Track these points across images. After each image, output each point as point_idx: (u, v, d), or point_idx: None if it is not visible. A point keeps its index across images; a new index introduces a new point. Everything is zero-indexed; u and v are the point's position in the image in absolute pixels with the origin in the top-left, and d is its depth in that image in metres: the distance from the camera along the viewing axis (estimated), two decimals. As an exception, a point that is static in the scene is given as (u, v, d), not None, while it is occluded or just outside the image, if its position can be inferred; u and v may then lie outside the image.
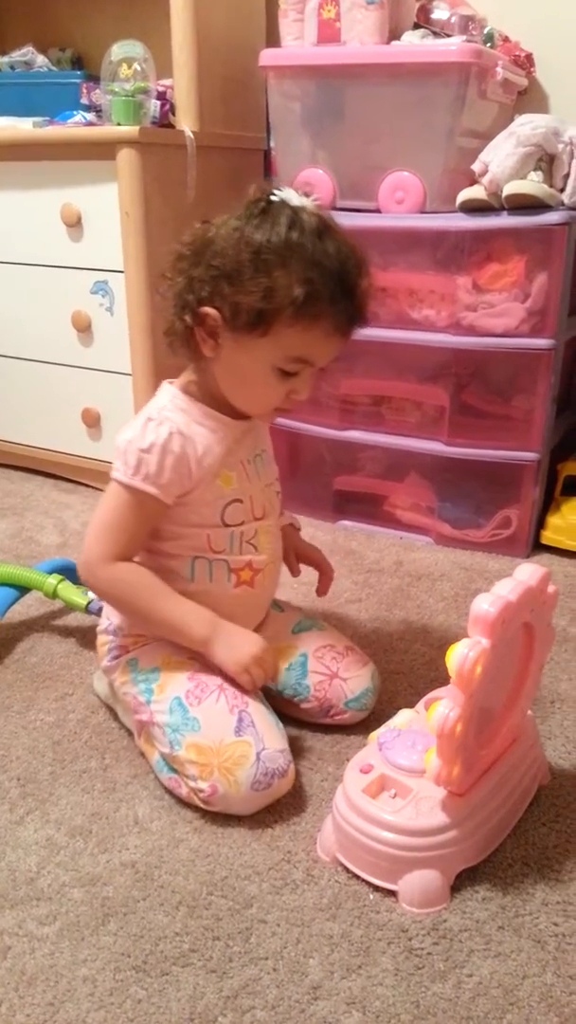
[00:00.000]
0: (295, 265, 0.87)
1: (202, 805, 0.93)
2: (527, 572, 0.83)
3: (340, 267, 0.89)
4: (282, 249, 0.87)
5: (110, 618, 1.06)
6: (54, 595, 1.26)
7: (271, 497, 1.05)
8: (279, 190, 0.91)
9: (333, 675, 1.05)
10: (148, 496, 0.94)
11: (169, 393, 1.00)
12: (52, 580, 1.26)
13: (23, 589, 1.31)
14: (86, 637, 1.29)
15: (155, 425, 0.95)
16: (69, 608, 1.31)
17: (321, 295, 0.88)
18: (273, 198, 0.90)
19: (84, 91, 1.86)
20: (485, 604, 0.77)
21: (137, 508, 0.95)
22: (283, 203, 0.90)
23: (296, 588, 1.27)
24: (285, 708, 1.07)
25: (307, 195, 0.92)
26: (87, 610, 1.22)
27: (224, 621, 0.98)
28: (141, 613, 0.99)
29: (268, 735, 0.93)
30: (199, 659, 0.99)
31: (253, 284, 0.87)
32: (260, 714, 0.95)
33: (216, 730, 0.93)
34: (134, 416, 0.99)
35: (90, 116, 1.78)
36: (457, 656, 0.77)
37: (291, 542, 1.17)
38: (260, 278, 0.87)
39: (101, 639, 1.07)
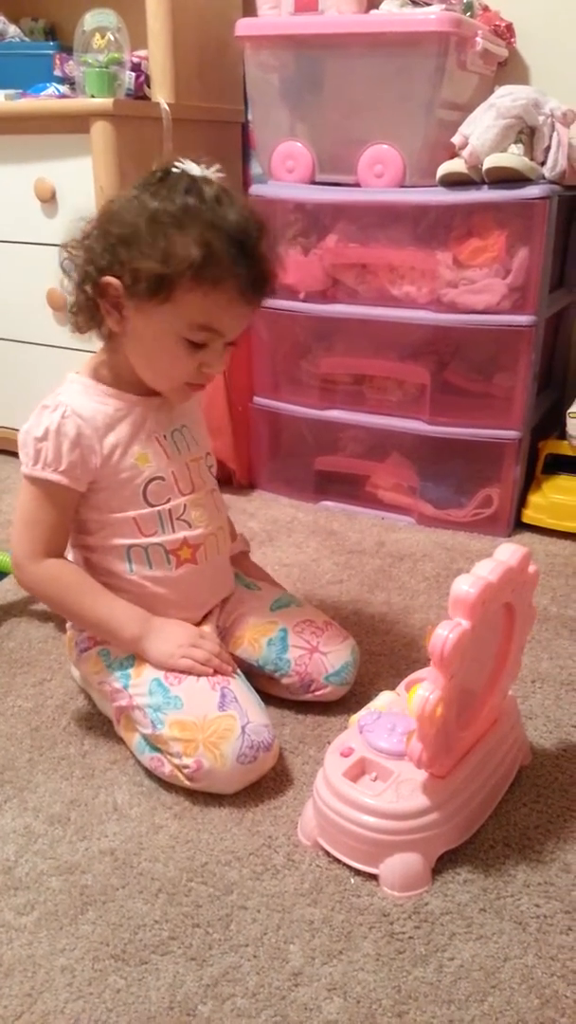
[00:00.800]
0: (192, 227, 0.86)
1: (186, 783, 0.92)
2: (507, 552, 0.82)
3: (239, 229, 0.87)
4: (179, 212, 0.86)
5: None
6: (31, 579, 1.24)
7: (200, 471, 1.04)
8: (180, 162, 0.91)
9: (313, 649, 1.05)
10: (53, 484, 0.94)
11: (69, 380, 0.99)
12: (29, 564, 1.24)
13: (1, 574, 1.29)
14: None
15: (49, 411, 0.94)
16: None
17: (220, 257, 0.86)
18: (174, 169, 0.90)
19: (57, 62, 1.82)
20: (465, 585, 0.76)
21: (46, 498, 0.95)
22: (183, 173, 0.90)
23: (276, 571, 1.26)
24: (266, 686, 1.07)
25: (208, 165, 0.92)
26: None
27: (157, 619, 0.98)
28: (72, 612, 1.00)
29: (251, 709, 0.93)
30: None
31: (150, 248, 0.86)
32: (242, 691, 0.95)
33: (199, 706, 0.92)
34: None
35: (63, 88, 1.74)
36: (437, 638, 0.76)
37: (241, 569, 1.16)
38: (157, 241, 0.86)
39: (69, 634, 1.07)
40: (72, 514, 0.98)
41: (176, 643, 0.96)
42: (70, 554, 1.02)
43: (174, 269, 0.86)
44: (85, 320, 0.95)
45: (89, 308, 0.93)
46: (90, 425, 0.94)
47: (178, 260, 0.85)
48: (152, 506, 0.98)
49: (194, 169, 0.90)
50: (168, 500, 0.99)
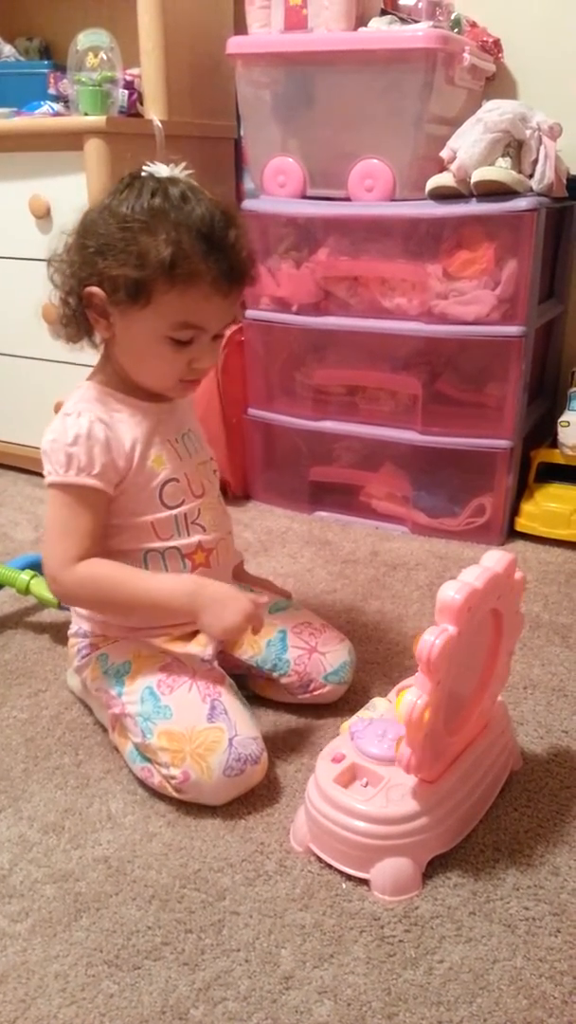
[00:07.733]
0: (160, 228, 0.88)
1: (174, 794, 0.93)
2: (494, 559, 0.83)
3: (205, 224, 0.89)
4: (146, 215, 0.89)
5: (79, 623, 1.06)
6: (27, 591, 1.25)
7: (208, 475, 1.06)
8: (149, 164, 0.93)
9: (312, 649, 1.07)
10: (88, 489, 0.95)
11: (83, 388, 1.00)
12: (24, 576, 1.25)
13: (-5, 585, 1.30)
14: (59, 633, 1.29)
15: (74, 418, 0.95)
16: (42, 604, 1.31)
17: (191, 254, 0.88)
18: (143, 172, 0.93)
19: (51, 81, 1.84)
20: (451, 591, 0.77)
21: (81, 505, 0.95)
22: (149, 176, 0.92)
23: (274, 580, 1.27)
24: (264, 688, 1.08)
25: (176, 164, 0.94)
26: (60, 606, 1.21)
27: (206, 583, 0.97)
28: (118, 603, 0.98)
29: (240, 722, 0.94)
30: (170, 653, 1.00)
31: (124, 254, 0.89)
32: (232, 703, 0.96)
33: (188, 717, 0.93)
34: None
35: (58, 106, 1.76)
36: (424, 644, 0.77)
37: (239, 580, 1.16)
38: (129, 247, 0.89)
39: (71, 641, 1.08)
40: (105, 519, 0.98)
41: (232, 621, 0.94)
42: None
43: (148, 273, 0.88)
44: (75, 331, 0.97)
45: (77, 319, 0.96)
46: (113, 430, 0.96)
47: (150, 263, 0.88)
48: (169, 508, 0.99)
49: (162, 170, 0.93)
50: (183, 503, 1.00)
